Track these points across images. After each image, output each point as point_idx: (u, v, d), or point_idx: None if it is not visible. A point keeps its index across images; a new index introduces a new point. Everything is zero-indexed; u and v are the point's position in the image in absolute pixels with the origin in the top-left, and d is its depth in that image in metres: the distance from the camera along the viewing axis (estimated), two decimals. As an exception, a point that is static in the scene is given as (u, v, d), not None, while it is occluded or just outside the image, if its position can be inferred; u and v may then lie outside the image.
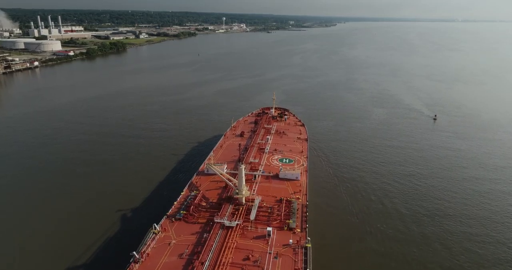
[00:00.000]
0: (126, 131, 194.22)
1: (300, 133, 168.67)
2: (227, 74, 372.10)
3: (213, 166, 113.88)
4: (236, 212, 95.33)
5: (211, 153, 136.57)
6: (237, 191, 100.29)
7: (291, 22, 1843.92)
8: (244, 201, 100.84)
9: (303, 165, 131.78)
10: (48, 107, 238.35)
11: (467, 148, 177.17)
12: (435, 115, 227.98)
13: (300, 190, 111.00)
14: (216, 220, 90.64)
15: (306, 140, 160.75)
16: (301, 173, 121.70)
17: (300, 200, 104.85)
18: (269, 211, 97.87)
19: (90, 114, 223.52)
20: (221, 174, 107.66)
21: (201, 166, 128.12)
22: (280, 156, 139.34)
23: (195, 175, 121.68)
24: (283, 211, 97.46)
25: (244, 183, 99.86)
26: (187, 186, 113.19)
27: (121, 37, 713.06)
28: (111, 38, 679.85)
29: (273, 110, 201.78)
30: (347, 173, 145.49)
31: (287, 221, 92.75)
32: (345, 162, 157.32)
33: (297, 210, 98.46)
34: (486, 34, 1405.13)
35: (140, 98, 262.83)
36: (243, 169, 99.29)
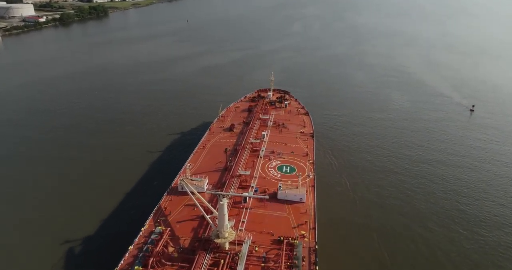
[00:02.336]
0: (82, 126, 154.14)
1: (304, 126, 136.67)
2: (217, 45, 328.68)
3: (188, 183, 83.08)
4: (215, 269, 66.15)
5: (188, 162, 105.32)
6: (217, 231, 70.59)
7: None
8: (227, 246, 71.51)
9: (309, 176, 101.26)
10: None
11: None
12: (473, 106, 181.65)
13: (306, 221, 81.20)
14: (184, 287, 61.74)
15: (312, 135, 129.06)
16: (307, 190, 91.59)
17: (307, 239, 75.51)
18: (262, 263, 68.66)
19: (38, 104, 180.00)
20: (197, 198, 77.15)
21: (175, 180, 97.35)
22: (279, 162, 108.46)
23: (165, 194, 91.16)
24: (282, 261, 68.27)
25: (227, 222, 69.78)
26: (152, 214, 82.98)
27: (106, 0, 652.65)
28: (94, 0, 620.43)
29: (271, 93, 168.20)
30: (367, 191, 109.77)
31: (288, 282, 64.08)
32: (363, 170, 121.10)
33: (303, 260, 69.39)
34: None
35: (109, 79, 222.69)
36: (225, 205, 68.75)
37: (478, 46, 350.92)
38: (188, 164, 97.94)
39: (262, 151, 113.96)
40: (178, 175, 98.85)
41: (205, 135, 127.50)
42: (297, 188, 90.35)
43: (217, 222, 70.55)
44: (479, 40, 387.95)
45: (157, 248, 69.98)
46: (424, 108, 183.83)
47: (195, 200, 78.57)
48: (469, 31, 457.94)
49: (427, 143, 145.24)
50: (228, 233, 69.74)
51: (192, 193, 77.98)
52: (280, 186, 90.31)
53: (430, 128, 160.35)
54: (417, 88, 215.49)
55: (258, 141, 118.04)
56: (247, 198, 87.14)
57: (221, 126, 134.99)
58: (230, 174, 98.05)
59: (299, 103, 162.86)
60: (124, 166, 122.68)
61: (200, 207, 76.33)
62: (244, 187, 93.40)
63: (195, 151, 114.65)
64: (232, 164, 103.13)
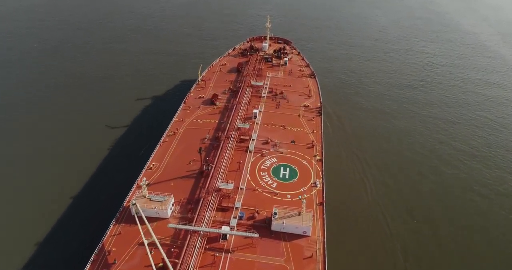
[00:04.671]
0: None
1: (309, 96, 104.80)
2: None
3: (142, 208, 57.06)
4: None
5: (150, 162, 76.42)
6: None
7: None
8: None
9: (315, 184, 73.69)
10: None
11: None
12: None
13: (311, 280, 56.06)
14: None
15: (319, 111, 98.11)
16: (313, 216, 64.86)
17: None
18: None
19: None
20: (151, 240, 51.66)
21: (129, 196, 69.56)
22: (275, 160, 79.72)
23: (112, 222, 64.20)
24: None
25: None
26: (86, 268, 57.20)
27: None
28: None
29: (267, 44, 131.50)
30: (404, 214, 76.74)
31: None
32: (396, 170, 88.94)
33: None
34: None
35: (55, 26, 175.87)
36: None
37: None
38: (144, 179, 67.80)
39: (253, 140, 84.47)
40: (134, 187, 71.03)
41: (178, 111, 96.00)
42: (299, 214, 63.61)
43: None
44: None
45: None
46: (468, 72, 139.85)
47: (147, 247, 53.20)
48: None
49: (484, 134, 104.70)
50: None
51: (149, 222, 52.23)
52: (275, 213, 63.23)
53: (483, 106, 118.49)
54: (453, 38, 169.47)
55: (248, 126, 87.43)
56: (227, 236, 60.78)
57: (199, 97, 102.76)
58: (207, 187, 69.97)
59: (302, 59, 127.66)
60: (59, 164, 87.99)
61: (153, 265, 50.47)
62: (224, 209, 66.31)
63: (162, 140, 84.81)
64: (209, 167, 74.61)
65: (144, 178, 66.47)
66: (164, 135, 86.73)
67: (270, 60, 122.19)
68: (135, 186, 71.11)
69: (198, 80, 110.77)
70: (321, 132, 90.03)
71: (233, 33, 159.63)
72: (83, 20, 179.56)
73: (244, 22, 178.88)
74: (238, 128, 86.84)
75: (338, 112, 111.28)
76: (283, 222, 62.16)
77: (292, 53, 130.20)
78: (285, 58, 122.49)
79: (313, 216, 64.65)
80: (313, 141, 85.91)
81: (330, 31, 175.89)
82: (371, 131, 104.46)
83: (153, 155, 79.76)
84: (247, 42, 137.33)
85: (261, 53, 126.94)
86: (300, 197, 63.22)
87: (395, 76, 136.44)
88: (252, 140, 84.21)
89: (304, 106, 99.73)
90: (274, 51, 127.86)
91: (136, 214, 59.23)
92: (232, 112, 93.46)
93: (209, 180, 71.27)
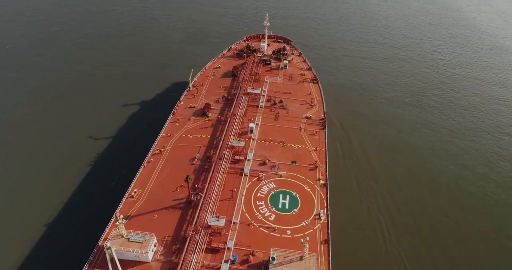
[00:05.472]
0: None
1: (311, 105, 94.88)
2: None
3: (118, 250, 48.87)
4: None
5: (131, 188, 67.28)
6: None
7: None
8: None
9: (319, 216, 64.69)
10: None
11: None
12: None
13: None
14: None
15: (323, 124, 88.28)
16: (317, 259, 55.78)
17: None
18: None
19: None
20: None
21: (105, 233, 60.72)
22: (274, 186, 70.49)
23: (85, 267, 55.23)
24: None
25: None
26: None
27: None
28: None
29: (266, 44, 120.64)
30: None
31: None
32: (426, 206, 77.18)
33: None
34: None
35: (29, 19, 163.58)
36: None
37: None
38: (121, 216, 58.54)
39: (249, 160, 75.07)
40: (111, 221, 61.89)
41: (166, 124, 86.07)
42: (301, 259, 54.78)
43: None
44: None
45: None
46: (490, 86, 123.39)
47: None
48: None
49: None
50: None
51: None
52: (273, 257, 54.36)
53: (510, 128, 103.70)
54: (469, 42, 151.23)
55: (243, 145, 77.88)
56: (217, 287, 52.28)
57: (190, 107, 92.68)
58: (195, 223, 60.93)
59: (304, 61, 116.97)
60: (30, 184, 78.08)
61: None
62: (214, 250, 57.51)
63: (146, 160, 75.34)
64: (198, 197, 65.42)
65: (121, 216, 57.17)
66: (149, 153, 77.12)
67: (268, 63, 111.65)
68: (112, 219, 62.13)
69: (189, 87, 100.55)
70: (325, 149, 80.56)
71: (228, 32, 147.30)
72: (59, 20, 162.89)
73: (240, 19, 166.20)
74: (232, 147, 77.37)
75: (343, 124, 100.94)
76: (282, 269, 53.58)
77: (293, 54, 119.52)
78: (285, 61, 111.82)
79: (317, 258, 56.05)
80: (316, 162, 76.53)
81: (332, 34, 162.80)
82: (382, 153, 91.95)
83: (135, 179, 70.34)
84: (244, 41, 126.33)
85: (258, 54, 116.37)
86: (302, 240, 54.29)
87: (405, 89, 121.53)
88: (248, 160, 74.97)
89: (306, 117, 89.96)
90: (273, 52, 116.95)
91: (111, 260, 50.98)
92: (226, 126, 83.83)
93: (197, 213, 62.20)
